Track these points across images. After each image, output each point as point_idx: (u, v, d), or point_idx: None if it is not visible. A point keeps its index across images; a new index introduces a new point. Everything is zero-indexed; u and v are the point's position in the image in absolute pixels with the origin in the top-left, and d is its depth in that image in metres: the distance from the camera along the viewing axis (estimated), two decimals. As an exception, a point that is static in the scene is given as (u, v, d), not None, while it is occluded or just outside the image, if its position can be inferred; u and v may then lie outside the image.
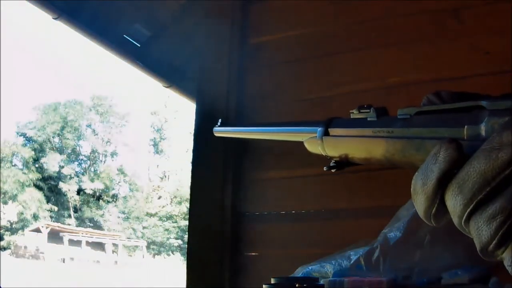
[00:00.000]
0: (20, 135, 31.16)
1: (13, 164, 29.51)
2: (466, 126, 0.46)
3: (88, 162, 33.20)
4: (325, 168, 0.76)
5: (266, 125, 1.17)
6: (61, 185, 30.62)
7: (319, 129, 0.76)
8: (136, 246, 29.89)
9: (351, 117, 0.68)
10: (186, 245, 1.89)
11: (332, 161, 0.75)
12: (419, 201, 0.44)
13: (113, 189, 33.13)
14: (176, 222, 31.81)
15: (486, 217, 0.38)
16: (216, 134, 1.39)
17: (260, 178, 1.85)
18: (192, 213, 1.88)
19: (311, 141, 0.78)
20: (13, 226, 27.28)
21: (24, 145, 30.64)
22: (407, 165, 0.55)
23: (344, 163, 0.73)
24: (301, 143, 0.83)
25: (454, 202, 0.40)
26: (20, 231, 27.04)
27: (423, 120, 0.53)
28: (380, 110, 0.63)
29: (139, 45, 2.44)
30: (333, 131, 0.73)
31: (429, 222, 0.44)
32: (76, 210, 31.37)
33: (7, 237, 26.52)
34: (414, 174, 0.45)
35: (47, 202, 29.77)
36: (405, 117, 0.56)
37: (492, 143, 0.39)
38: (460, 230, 0.41)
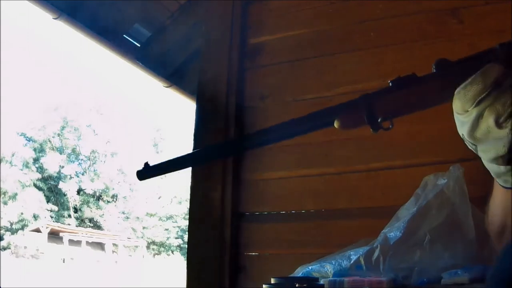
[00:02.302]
0: (20, 135, 31.13)
1: (13, 164, 29.47)
2: None
3: (88, 162, 33.16)
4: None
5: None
6: (61, 185, 30.55)
7: None
8: (136, 246, 29.86)
9: None
10: (186, 245, 1.89)
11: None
12: None
13: (113, 189, 33.07)
14: (176, 222, 31.77)
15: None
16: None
17: (260, 178, 1.85)
18: (192, 213, 1.88)
19: None
20: (13, 226, 27.24)
21: (24, 145, 30.62)
22: None
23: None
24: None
25: None
26: (20, 231, 27.00)
27: None
28: None
29: (139, 45, 2.44)
30: None
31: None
32: (76, 210, 31.32)
33: (7, 237, 26.47)
34: None
35: (47, 202, 29.71)
36: None
37: None
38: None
